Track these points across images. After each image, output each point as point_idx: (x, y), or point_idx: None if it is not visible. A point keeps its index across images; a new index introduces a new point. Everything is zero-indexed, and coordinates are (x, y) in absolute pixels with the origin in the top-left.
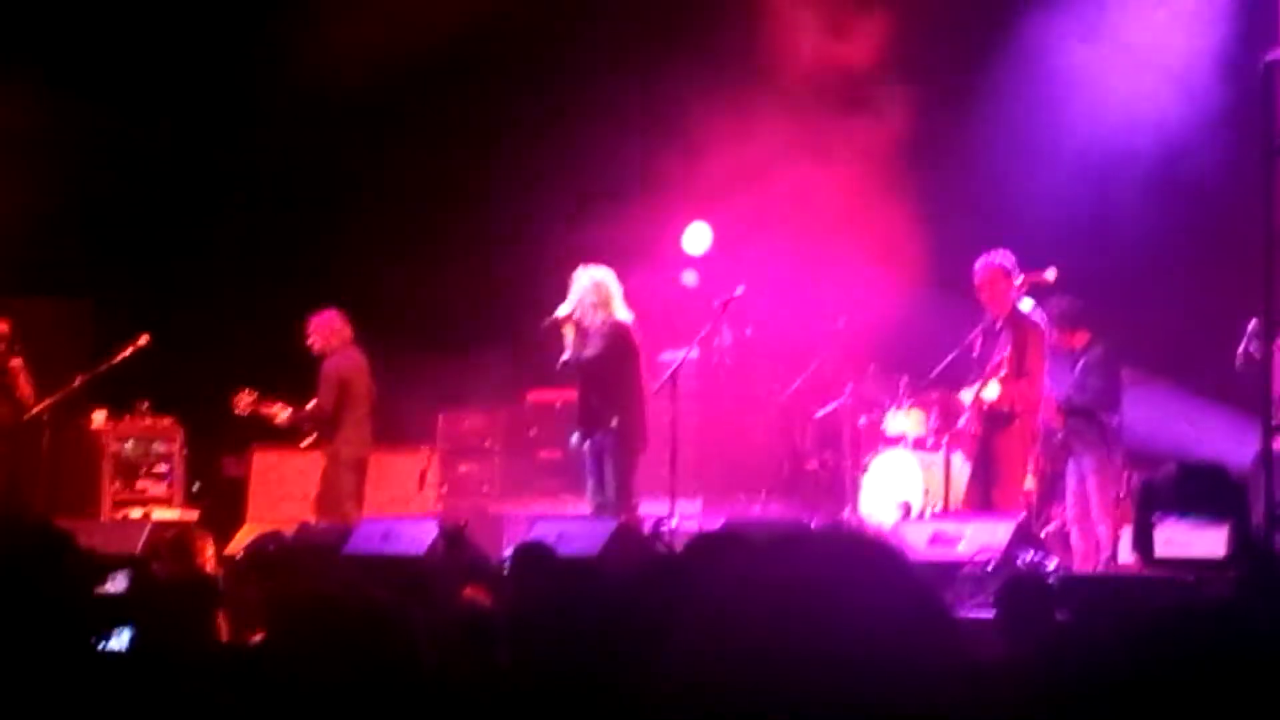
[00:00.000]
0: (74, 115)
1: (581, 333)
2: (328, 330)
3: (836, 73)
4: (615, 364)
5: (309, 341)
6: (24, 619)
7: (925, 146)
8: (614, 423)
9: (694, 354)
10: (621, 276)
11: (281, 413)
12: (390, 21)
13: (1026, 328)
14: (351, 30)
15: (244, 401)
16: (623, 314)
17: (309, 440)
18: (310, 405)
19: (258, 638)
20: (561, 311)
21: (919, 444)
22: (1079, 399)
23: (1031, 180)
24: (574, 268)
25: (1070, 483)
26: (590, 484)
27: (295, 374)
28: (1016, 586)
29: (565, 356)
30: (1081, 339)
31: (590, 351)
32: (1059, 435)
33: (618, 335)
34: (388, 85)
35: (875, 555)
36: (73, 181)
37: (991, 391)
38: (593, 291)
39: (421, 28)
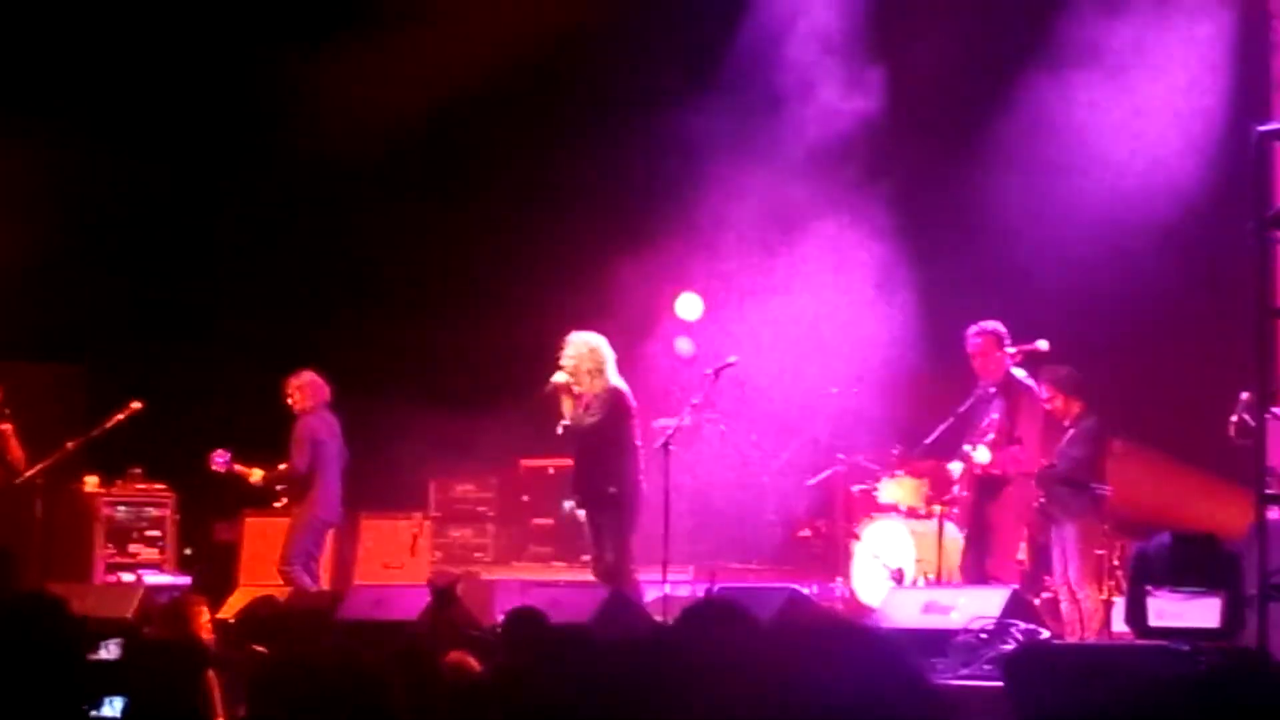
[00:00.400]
0: (70, 180)
1: (578, 399)
2: (308, 390)
3: (834, 141)
4: (613, 431)
5: (288, 400)
6: (18, 685)
7: (921, 217)
8: (611, 490)
9: (687, 421)
10: (613, 342)
11: (255, 473)
12: (388, 86)
13: (1020, 394)
14: (349, 95)
15: (218, 460)
16: (617, 380)
17: (282, 502)
18: (283, 466)
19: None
20: (558, 378)
21: (912, 513)
22: (1062, 468)
23: (1027, 251)
24: (566, 333)
25: (1054, 551)
26: (593, 552)
27: (286, 438)
28: (1024, 656)
29: (565, 423)
30: (1075, 408)
31: (590, 419)
32: (1040, 503)
33: (615, 402)
34: (383, 150)
35: (865, 639)
36: (67, 247)
37: (983, 456)
38: (588, 358)
39: (419, 95)
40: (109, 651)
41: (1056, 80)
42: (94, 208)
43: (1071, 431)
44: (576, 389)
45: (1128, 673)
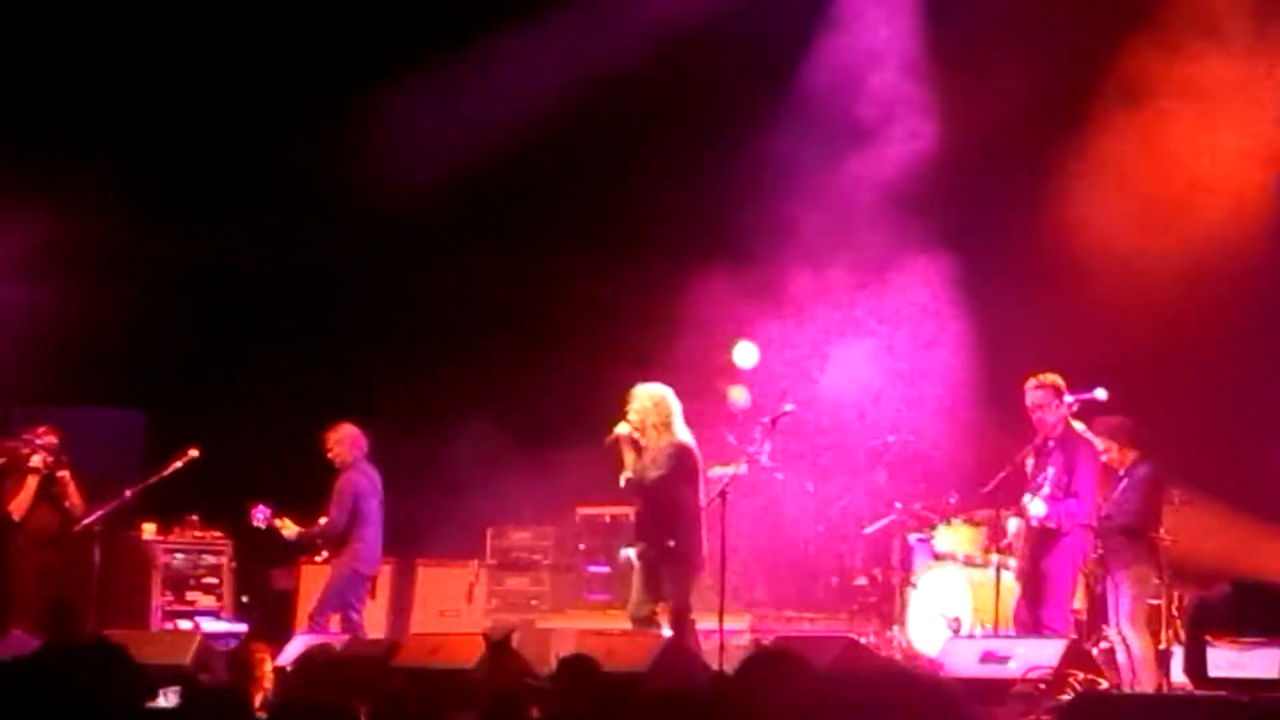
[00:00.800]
0: (129, 231)
1: (641, 451)
2: (348, 443)
3: (895, 187)
4: (677, 486)
5: (329, 454)
6: None
7: (979, 264)
8: (671, 544)
9: (743, 470)
10: (673, 390)
11: (289, 528)
12: (437, 143)
13: (1078, 447)
14: (402, 141)
15: (258, 516)
16: (683, 434)
17: (322, 555)
18: (322, 522)
19: None
20: (622, 429)
21: (969, 561)
22: (1118, 517)
23: (1090, 296)
24: (622, 382)
25: (1110, 600)
26: (635, 596)
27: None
28: (1079, 705)
29: (627, 475)
30: (1130, 457)
31: (654, 473)
32: (1097, 553)
33: (681, 457)
34: (442, 197)
35: (924, 688)
36: (127, 296)
37: (1038, 509)
38: (654, 411)
39: (467, 149)
40: (167, 699)
41: (1129, 118)
42: (153, 257)
43: (1125, 480)
44: (641, 442)
45: None
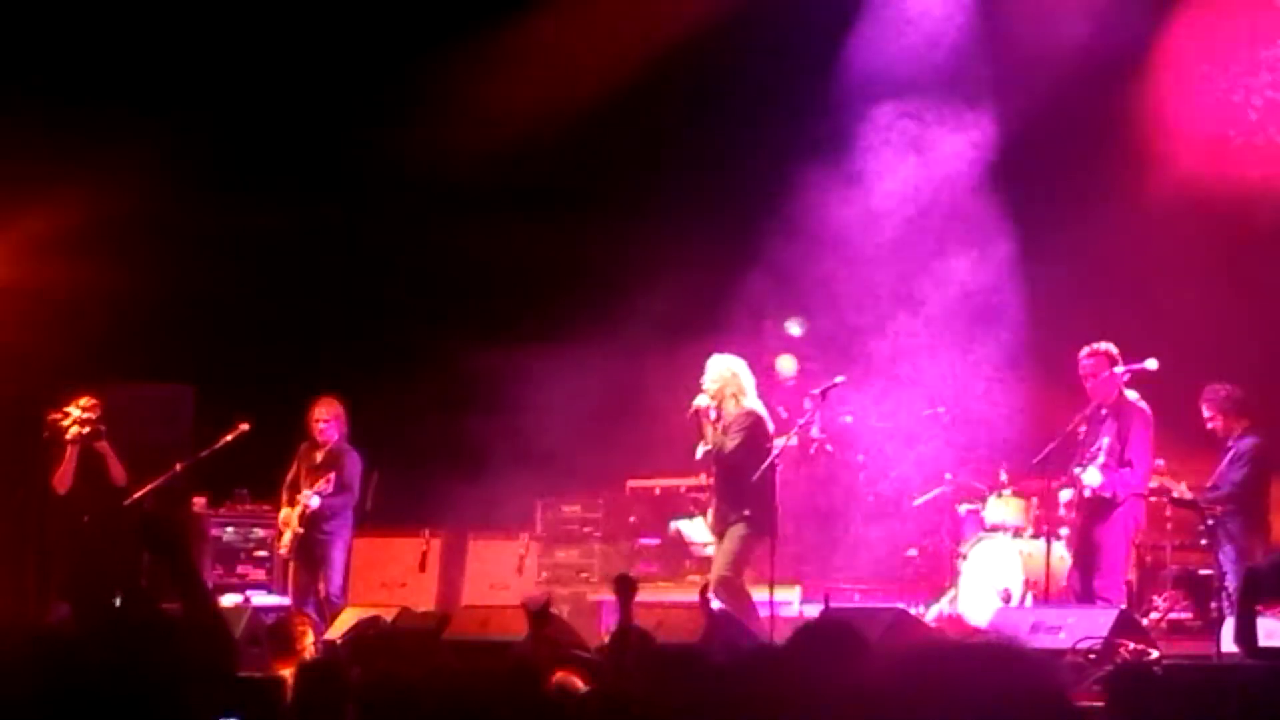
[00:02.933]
0: (183, 204)
1: (716, 423)
2: (344, 419)
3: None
4: (753, 455)
5: (326, 426)
6: (134, 703)
7: (1033, 233)
8: (746, 512)
9: (793, 442)
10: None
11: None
12: (487, 124)
13: (1132, 416)
14: (437, 121)
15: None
16: (756, 404)
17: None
18: (343, 494)
19: None
20: (701, 401)
21: (1019, 532)
22: (1224, 489)
23: (1140, 267)
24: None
25: (1216, 571)
26: (717, 563)
27: (397, 461)
28: (1124, 675)
29: (705, 446)
30: (1236, 428)
31: (732, 443)
32: (1207, 523)
33: (756, 427)
34: (494, 172)
35: (1008, 662)
36: (178, 269)
37: (1093, 478)
38: (732, 381)
39: (506, 122)
40: None
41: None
42: (203, 231)
43: (1232, 451)
44: (720, 411)
45: (1237, 693)
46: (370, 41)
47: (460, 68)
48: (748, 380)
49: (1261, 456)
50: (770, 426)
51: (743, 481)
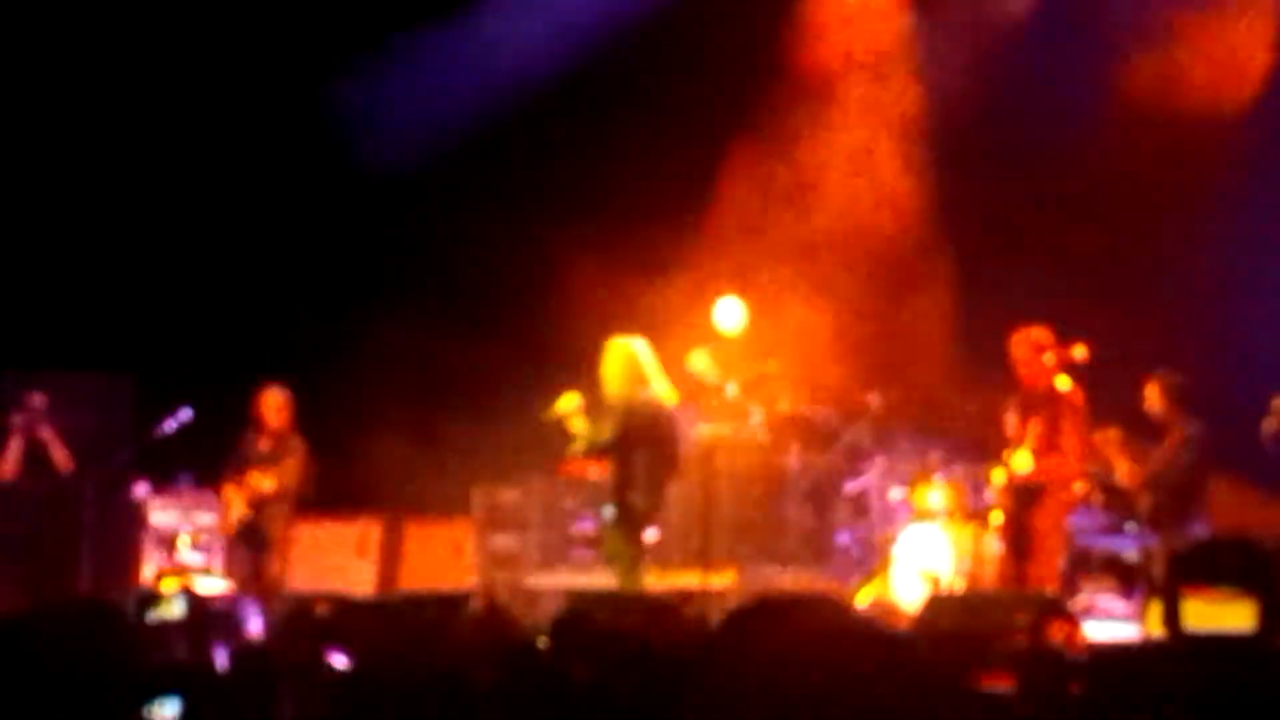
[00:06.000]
0: (124, 187)
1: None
2: (293, 407)
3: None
4: (625, 442)
5: (281, 418)
6: (74, 690)
7: (965, 217)
8: (618, 502)
9: (726, 429)
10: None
11: (268, 484)
12: (429, 105)
13: (1062, 403)
14: (391, 111)
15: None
16: (641, 390)
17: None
18: (297, 482)
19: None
20: (565, 405)
21: (950, 518)
22: (1164, 475)
23: (1068, 252)
24: (607, 338)
25: (1143, 557)
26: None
27: (334, 446)
28: (1037, 659)
29: (593, 438)
30: (1176, 415)
31: (600, 437)
32: (1146, 511)
33: (621, 417)
34: (434, 164)
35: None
36: (115, 258)
37: (1023, 464)
38: (609, 368)
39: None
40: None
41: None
42: (143, 214)
43: (1174, 438)
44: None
45: (1161, 678)
46: (308, 34)
47: (396, 60)
48: (635, 365)
49: (1203, 445)
50: (661, 413)
51: (617, 467)
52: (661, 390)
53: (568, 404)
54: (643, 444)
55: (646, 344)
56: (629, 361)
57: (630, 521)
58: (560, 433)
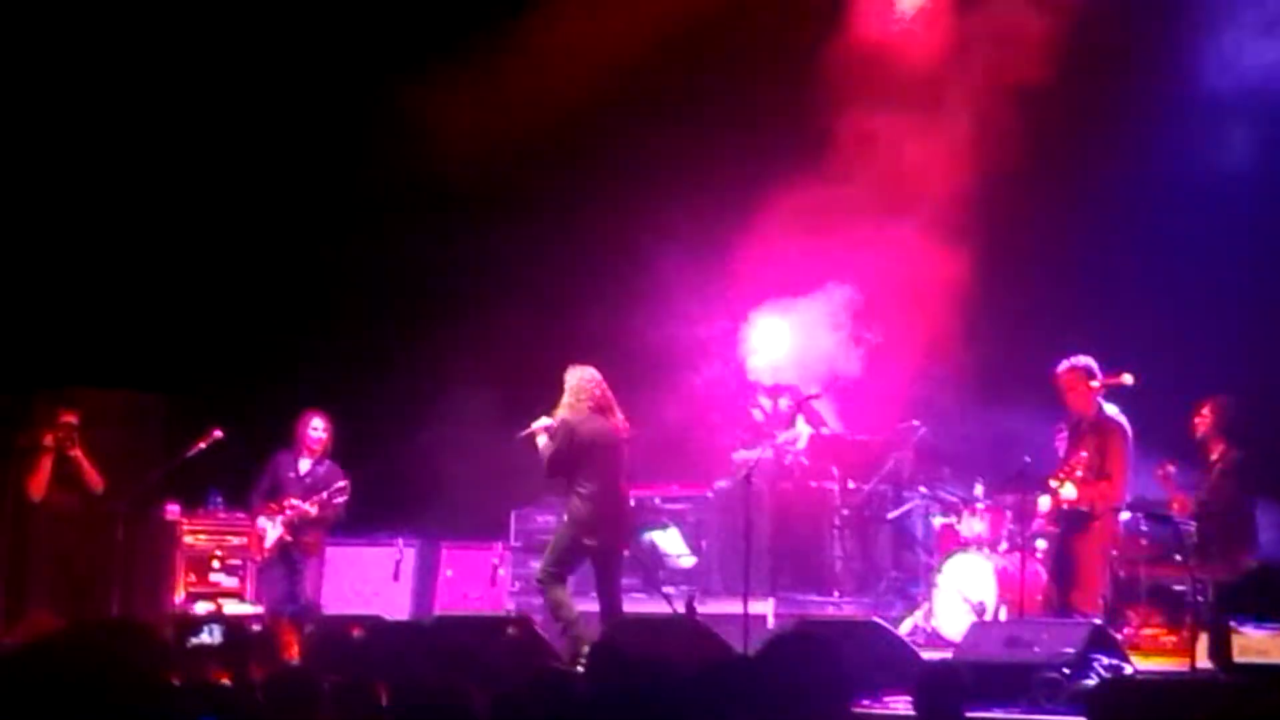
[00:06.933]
0: (164, 210)
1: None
2: (332, 432)
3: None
4: (563, 462)
5: (322, 443)
6: (110, 708)
7: (1010, 245)
8: (565, 516)
9: (768, 454)
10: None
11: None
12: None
13: (1111, 430)
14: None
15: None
16: (576, 413)
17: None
18: (335, 507)
19: None
20: (538, 424)
21: (994, 546)
22: (1212, 503)
23: (1119, 282)
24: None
25: (1191, 587)
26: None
27: (371, 470)
28: (1106, 690)
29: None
30: (1224, 442)
31: (546, 451)
32: (1192, 540)
33: (566, 434)
34: (470, 181)
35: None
36: (149, 280)
37: (1070, 491)
38: (569, 392)
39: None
40: (211, 636)
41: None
42: (179, 235)
43: (1220, 465)
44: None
45: (1211, 709)
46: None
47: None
48: (580, 390)
49: (1249, 473)
50: (592, 436)
51: (565, 486)
52: (614, 422)
53: (538, 424)
54: (585, 468)
55: (596, 373)
56: (582, 388)
57: (561, 540)
58: (532, 449)
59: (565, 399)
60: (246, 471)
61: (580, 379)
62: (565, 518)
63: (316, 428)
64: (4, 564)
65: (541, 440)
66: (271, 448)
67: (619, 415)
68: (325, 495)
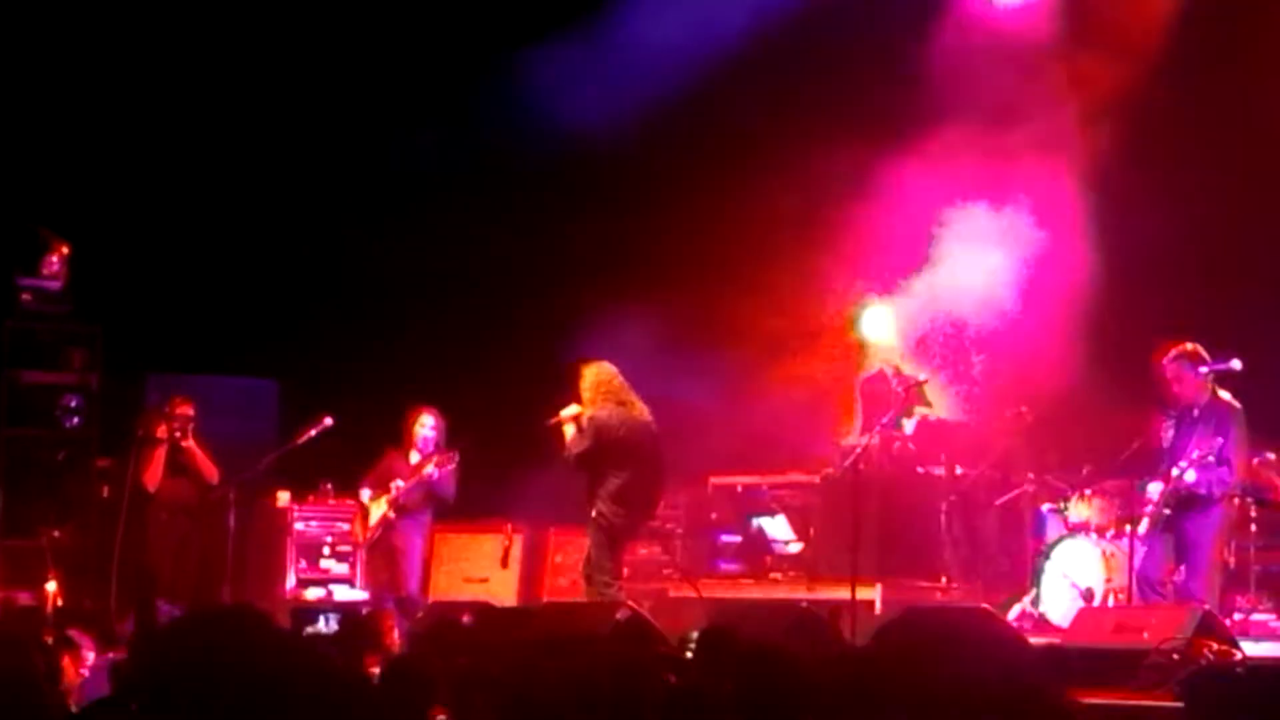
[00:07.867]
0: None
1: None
2: (444, 431)
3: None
4: (594, 458)
5: (433, 438)
6: (228, 694)
7: (1113, 230)
8: (593, 513)
9: (875, 440)
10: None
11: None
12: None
13: (1228, 414)
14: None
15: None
16: (617, 409)
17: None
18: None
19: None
20: (566, 412)
21: (1101, 532)
22: None
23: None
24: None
25: None
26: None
27: (479, 458)
28: (1204, 677)
29: (571, 448)
30: None
31: (576, 447)
32: None
33: (595, 431)
34: (555, 170)
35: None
36: (261, 267)
37: (1192, 476)
38: (588, 389)
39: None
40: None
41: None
42: (294, 223)
43: None
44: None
45: None
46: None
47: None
48: (603, 386)
49: None
50: (625, 430)
51: (589, 482)
52: (638, 410)
53: (566, 413)
54: (615, 459)
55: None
56: (602, 383)
57: (602, 532)
58: (559, 437)
59: (586, 395)
60: (356, 458)
61: (598, 374)
62: (596, 511)
63: (426, 424)
64: (121, 555)
65: (569, 430)
66: (380, 433)
67: (640, 405)
68: (435, 461)
